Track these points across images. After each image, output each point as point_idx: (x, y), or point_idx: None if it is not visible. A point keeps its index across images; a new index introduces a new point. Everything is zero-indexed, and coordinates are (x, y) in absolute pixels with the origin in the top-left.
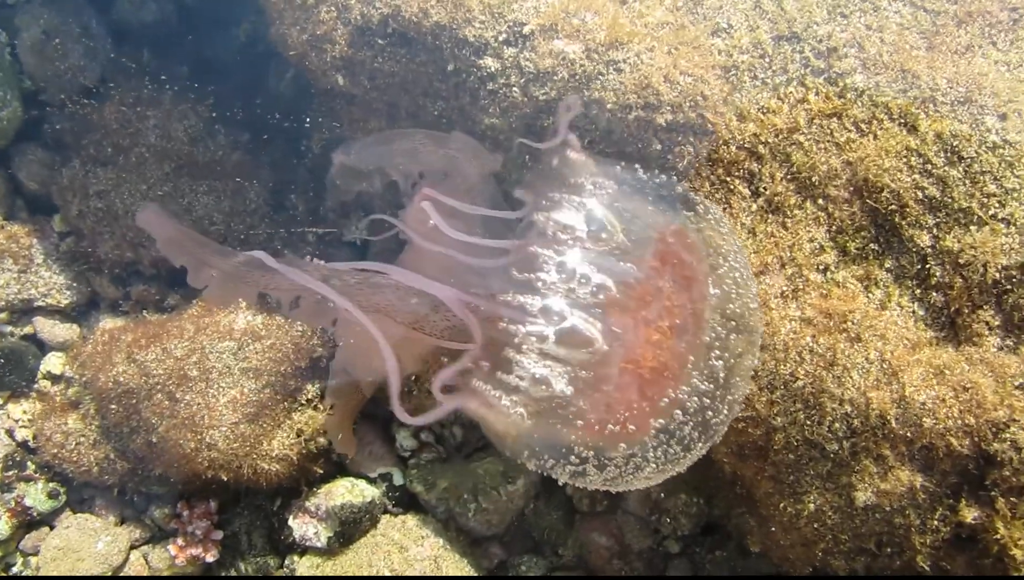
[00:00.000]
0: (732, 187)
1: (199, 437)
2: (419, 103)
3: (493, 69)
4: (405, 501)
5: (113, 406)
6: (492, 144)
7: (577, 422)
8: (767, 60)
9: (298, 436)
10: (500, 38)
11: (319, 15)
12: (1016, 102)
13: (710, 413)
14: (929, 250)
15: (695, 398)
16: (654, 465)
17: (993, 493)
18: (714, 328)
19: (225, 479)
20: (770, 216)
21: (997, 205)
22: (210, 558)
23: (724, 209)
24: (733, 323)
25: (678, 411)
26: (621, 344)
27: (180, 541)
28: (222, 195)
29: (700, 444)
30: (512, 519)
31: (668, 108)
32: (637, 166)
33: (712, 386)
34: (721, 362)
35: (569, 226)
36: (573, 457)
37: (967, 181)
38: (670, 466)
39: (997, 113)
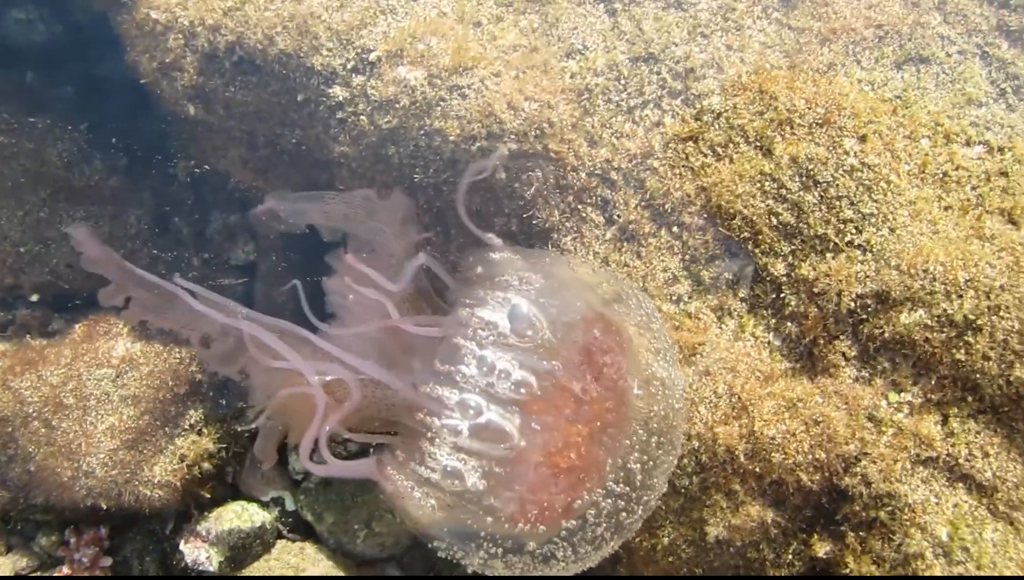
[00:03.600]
0: (584, 215)
1: (75, 465)
2: (276, 132)
3: (342, 98)
4: (301, 527)
5: None
6: (347, 172)
7: (487, 519)
8: (623, 82)
9: (181, 461)
10: (348, 66)
11: (167, 43)
12: (877, 123)
13: (624, 514)
14: (784, 279)
15: (609, 500)
16: (563, 564)
17: (843, 527)
18: (636, 431)
19: (105, 507)
20: (624, 244)
21: (854, 231)
22: None
23: (576, 238)
24: (655, 425)
25: (591, 512)
26: (539, 442)
27: (66, 569)
28: (100, 220)
29: (611, 543)
30: (409, 540)
31: (512, 136)
32: (568, 258)
33: (628, 489)
34: (639, 465)
35: (491, 323)
36: (482, 552)
37: (823, 206)
38: (579, 564)
39: (856, 135)
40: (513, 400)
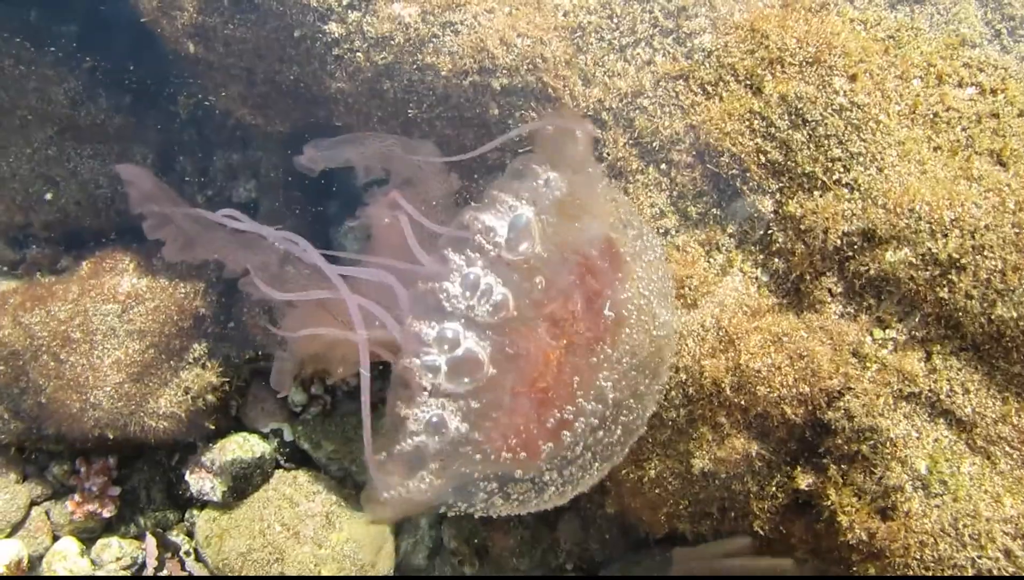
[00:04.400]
0: None
1: (83, 397)
2: (275, 68)
3: (337, 35)
4: (297, 456)
5: (1, 367)
6: (344, 107)
7: (476, 456)
8: (615, 21)
9: (186, 394)
10: (344, 2)
11: None
12: (868, 62)
13: (601, 433)
14: (772, 215)
15: (581, 418)
16: (554, 488)
17: (826, 460)
18: (603, 351)
19: (112, 437)
20: (612, 181)
21: (841, 169)
22: (107, 513)
23: None
24: (627, 347)
25: (566, 432)
26: (514, 367)
27: (77, 497)
28: (107, 158)
29: (598, 464)
30: None
31: (504, 72)
32: (606, 178)
33: (601, 406)
34: (610, 383)
35: (491, 229)
36: (482, 494)
37: (811, 145)
38: (570, 487)
39: (847, 74)
40: (490, 323)
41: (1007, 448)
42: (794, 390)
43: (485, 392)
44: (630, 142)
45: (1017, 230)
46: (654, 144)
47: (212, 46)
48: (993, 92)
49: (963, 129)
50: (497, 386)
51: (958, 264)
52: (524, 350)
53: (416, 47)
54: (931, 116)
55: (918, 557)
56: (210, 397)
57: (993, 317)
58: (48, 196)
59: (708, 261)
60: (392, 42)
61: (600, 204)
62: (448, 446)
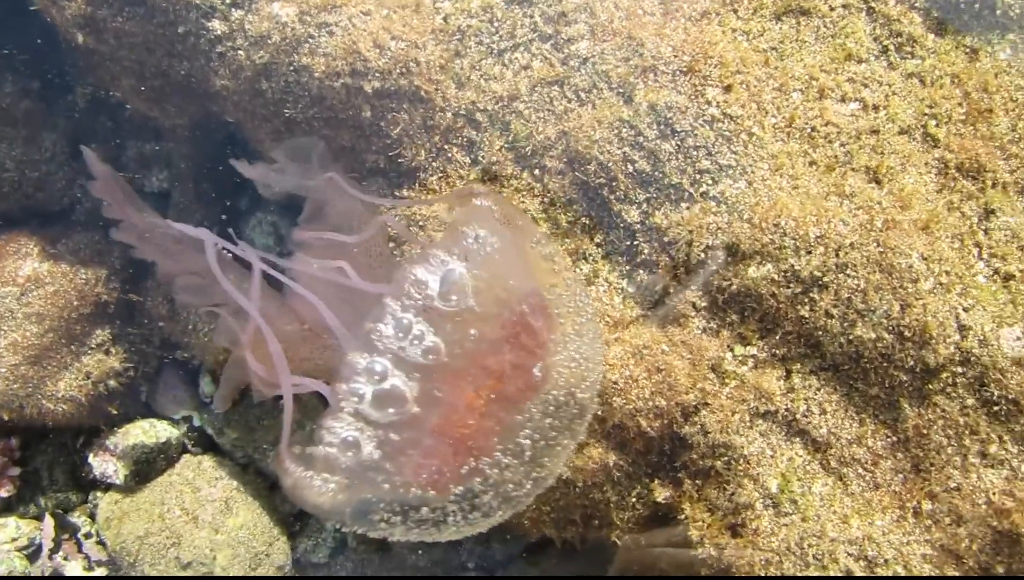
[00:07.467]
0: (450, 155)
1: None
2: (166, 63)
3: (220, 32)
4: (205, 442)
5: None
6: (231, 105)
7: (384, 485)
8: (495, 25)
9: (87, 378)
10: (228, 0)
11: None
12: (745, 73)
13: (511, 486)
14: (638, 226)
15: (496, 470)
16: (454, 528)
17: (682, 474)
18: (530, 410)
19: (7, 418)
20: (487, 184)
21: (710, 182)
22: (4, 493)
23: (441, 177)
24: (552, 408)
25: (478, 479)
26: (436, 409)
27: None
28: (13, 142)
29: (500, 512)
30: None
31: (376, 75)
32: (537, 232)
33: (516, 461)
34: (530, 442)
35: (423, 282)
36: (383, 523)
37: (680, 156)
38: (469, 528)
39: (721, 85)
40: (420, 365)
41: (860, 470)
42: (650, 403)
43: (406, 428)
44: (505, 146)
45: (882, 250)
46: (527, 149)
47: (103, 38)
48: (876, 108)
49: (842, 145)
50: (419, 424)
51: (820, 282)
52: (450, 395)
53: (292, 47)
54: (809, 130)
55: (762, 575)
56: (112, 383)
57: (852, 337)
58: None
59: (574, 271)
60: (270, 41)
61: (533, 260)
62: (358, 467)
